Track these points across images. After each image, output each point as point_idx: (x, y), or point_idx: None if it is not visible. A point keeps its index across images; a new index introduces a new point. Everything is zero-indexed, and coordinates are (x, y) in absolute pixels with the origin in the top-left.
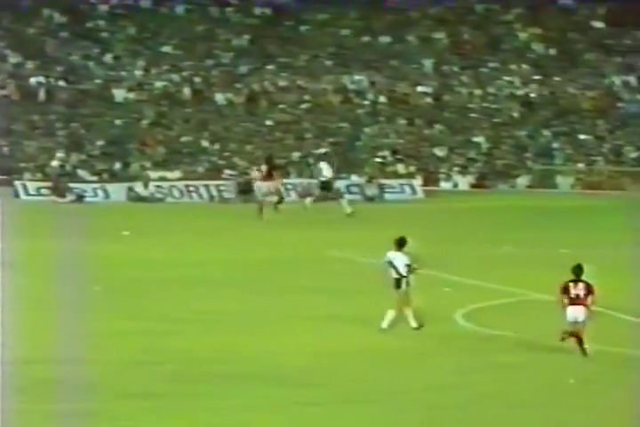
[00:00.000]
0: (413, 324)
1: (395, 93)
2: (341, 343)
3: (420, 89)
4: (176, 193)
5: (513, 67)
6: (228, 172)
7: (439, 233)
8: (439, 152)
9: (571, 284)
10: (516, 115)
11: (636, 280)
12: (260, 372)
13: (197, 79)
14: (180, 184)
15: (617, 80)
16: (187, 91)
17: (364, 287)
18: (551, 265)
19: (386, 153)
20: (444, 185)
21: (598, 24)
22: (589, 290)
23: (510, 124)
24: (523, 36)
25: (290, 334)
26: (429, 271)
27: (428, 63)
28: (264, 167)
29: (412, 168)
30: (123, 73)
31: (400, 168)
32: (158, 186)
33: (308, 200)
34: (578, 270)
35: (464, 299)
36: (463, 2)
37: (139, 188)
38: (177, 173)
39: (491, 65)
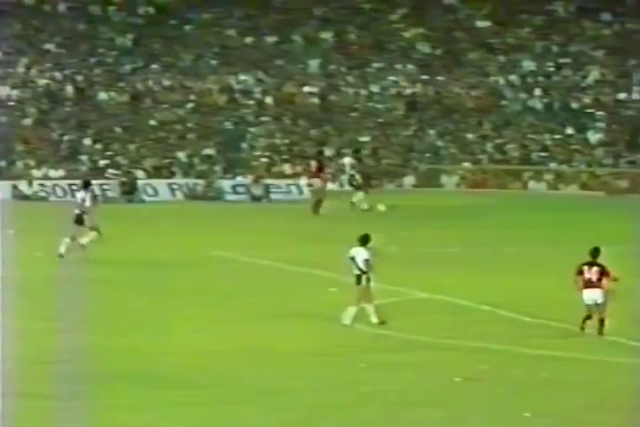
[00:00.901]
0: (374, 319)
1: (281, 93)
2: (225, 344)
3: (306, 89)
4: (59, 192)
5: (398, 66)
6: (111, 171)
7: (325, 233)
8: (326, 152)
9: (585, 267)
10: (401, 114)
11: (519, 277)
12: (145, 372)
13: (80, 78)
14: (64, 183)
15: (500, 79)
16: (69, 89)
17: (248, 287)
18: (437, 264)
19: (272, 153)
20: (331, 185)
21: (482, 23)
22: (604, 273)
23: (396, 123)
24: (408, 35)
25: (174, 335)
26: (316, 271)
27: (314, 63)
28: (314, 163)
29: (298, 168)
30: (6, 70)
31: (286, 168)
32: (42, 184)
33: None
34: (595, 253)
35: (350, 299)
36: (349, 1)
37: (23, 186)
38: (60, 172)
39: (376, 65)
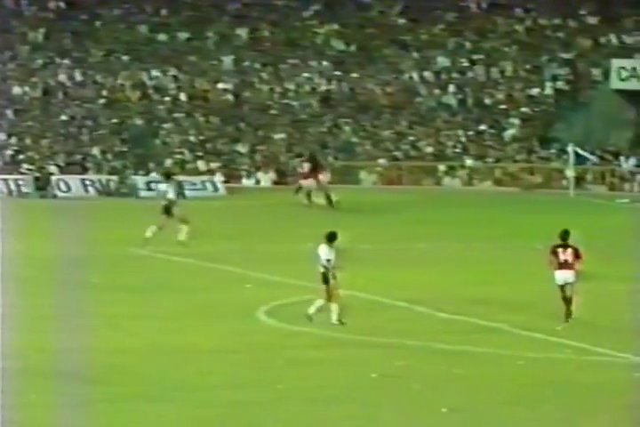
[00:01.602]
0: (334, 318)
1: (194, 90)
2: (141, 341)
3: (220, 85)
4: None
5: (312, 63)
6: (25, 166)
7: (241, 230)
8: (241, 149)
9: (559, 249)
10: (315, 111)
11: (434, 274)
12: (59, 369)
13: None
14: None
15: (414, 76)
16: None
17: (164, 284)
18: (352, 261)
19: (185, 150)
20: (246, 182)
21: (395, 20)
22: (577, 254)
23: (310, 120)
24: (321, 32)
25: (86, 331)
26: (231, 268)
27: (227, 60)
28: (307, 166)
29: (212, 165)
30: None
31: (200, 165)
32: None
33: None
34: (565, 235)
35: (266, 295)
36: None
37: None
38: None
39: (290, 61)
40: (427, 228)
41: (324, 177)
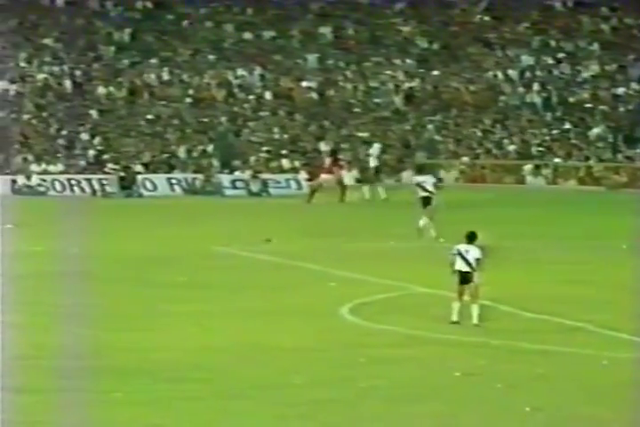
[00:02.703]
0: (475, 320)
1: (279, 88)
2: (224, 339)
3: (304, 84)
4: (58, 186)
5: (396, 61)
6: (110, 166)
7: (324, 228)
8: (324, 147)
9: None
10: (399, 109)
11: (519, 273)
12: (141, 366)
13: (78, 72)
14: (63, 178)
15: (498, 74)
16: (67, 84)
17: (248, 282)
18: (435, 259)
19: (270, 148)
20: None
21: (479, 18)
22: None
23: (394, 118)
24: (405, 30)
25: (171, 329)
26: (315, 266)
27: (311, 58)
28: (328, 160)
29: (296, 163)
30: (4, 65)
31: (285, 163)
32: (41, 179)
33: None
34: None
35: (350, 293)
36: None
37: (22, 180)
38: (59, 167)
39: (374, 59)
40: (510, 226)
41: (344, 173)
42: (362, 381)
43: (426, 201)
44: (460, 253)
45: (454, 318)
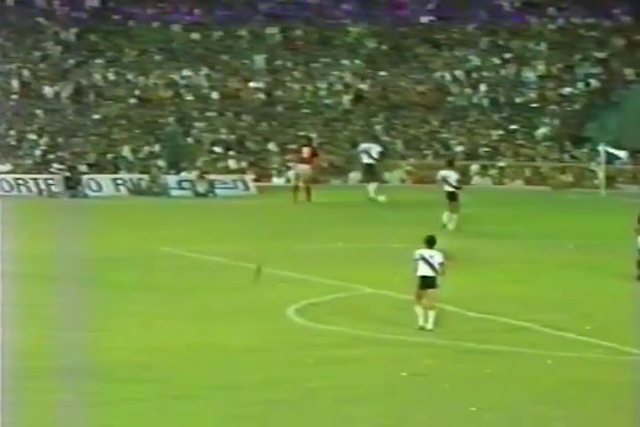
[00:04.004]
0: (430, 326)
1: (226, 89)
2: (171, 339)
3: (252, 84)
4: (5, 186)
5: (344, 62)
6: (56, 166)
7: (271, 229)
8: (271, 148)
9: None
10: (347, 110)
11: (463, 274)
12: (91, 367)
13: (26, 72)
14: (10, 177)
15: (446, 74)
16: (15, 83)
17: (195, 283)
18: (384, 260)
19: (216, 149)
20: (277, 181)
21: (427, 19)
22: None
23: (342, 119)
24: (354, 31)
25: (120, 330)
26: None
27: (259, 59)
28: (306, 149)
29: (243, 164)
30: None
31: (231, 163)
32: None
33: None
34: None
35: (298, 294)
36: None
37: None
38: (7, 166)
39: (322, 60)
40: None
41: (320, 161)
42: (310, 381)
43: (450, 196)
44: (423, 258)
45: (421, 322)
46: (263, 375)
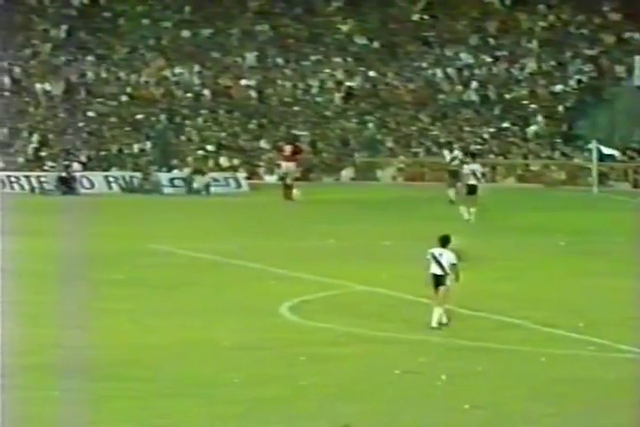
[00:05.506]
0: (434, 323)
1: (217, 86)
2: (161, 337)
3: (243, 82)
4: None
5: (335, 59)
6: (48, 163)
7: (263, 226)
8: (263, 145)
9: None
10: (338, 107)
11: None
12: (79, 364)
13: (17, 69)
14: (2, 174)
15: (437, 72)
16: (6, 80)
17: (186, 280)
18: (374, 257)
19: (208, 146)
20: (269, 178)
21: (418, 16)
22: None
23: (333, 116)
24: (344, 28)
25: (108, 327)
26: (254, 264)
27: (250, 56)
28: (288, 148)
29: (235, 161)
30: None
31: (223, 161)
32: None
33: None
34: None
35: (290, 292)
36: None
37: None
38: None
39: (313, 58)
40: (446, 224)
41: (300, 162)
42: (302, 379)
43: (473, 189)
44: (434, 257)
45: (433, 324)
46: (254, 373)
